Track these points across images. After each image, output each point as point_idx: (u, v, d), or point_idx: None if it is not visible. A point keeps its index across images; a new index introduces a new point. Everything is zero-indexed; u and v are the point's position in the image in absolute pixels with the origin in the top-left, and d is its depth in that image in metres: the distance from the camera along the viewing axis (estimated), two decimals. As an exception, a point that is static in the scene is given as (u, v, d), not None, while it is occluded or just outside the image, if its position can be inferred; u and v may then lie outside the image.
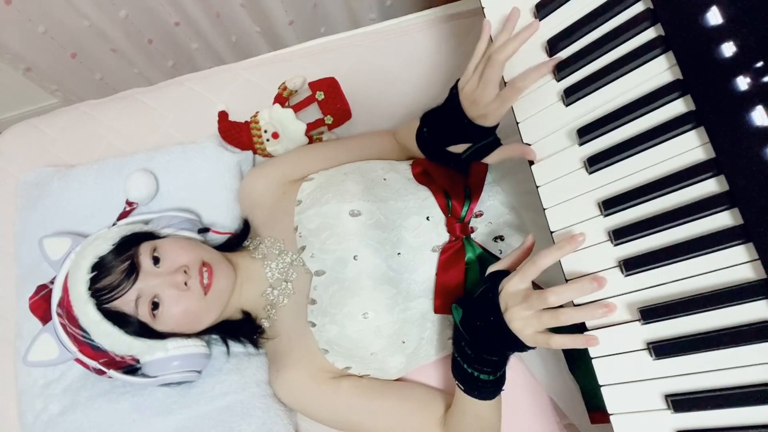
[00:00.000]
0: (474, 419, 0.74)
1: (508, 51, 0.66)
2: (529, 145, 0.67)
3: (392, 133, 1.00)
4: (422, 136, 0.85)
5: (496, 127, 0.75)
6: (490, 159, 0.78)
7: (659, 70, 0.57)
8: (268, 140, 1.06)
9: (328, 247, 0.81)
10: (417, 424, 0.80)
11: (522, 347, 0.63)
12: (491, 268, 0.68)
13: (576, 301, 0.60)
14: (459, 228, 0.83)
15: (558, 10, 0.65)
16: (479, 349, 0.66)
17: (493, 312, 0.63)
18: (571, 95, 0.63)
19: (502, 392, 0.71)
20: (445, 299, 0.80)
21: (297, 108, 1.07)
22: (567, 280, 0.61)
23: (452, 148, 0.81)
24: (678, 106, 0.55)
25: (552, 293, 0.58)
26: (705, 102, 0.53)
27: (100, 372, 0.84)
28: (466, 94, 0.72)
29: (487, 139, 0.76)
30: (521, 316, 0.60)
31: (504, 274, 0.66)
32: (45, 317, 0.90)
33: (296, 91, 1.11)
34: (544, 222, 0.64)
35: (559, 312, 0.58)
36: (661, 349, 0.54)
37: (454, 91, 0.75)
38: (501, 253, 0.86)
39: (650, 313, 0.55)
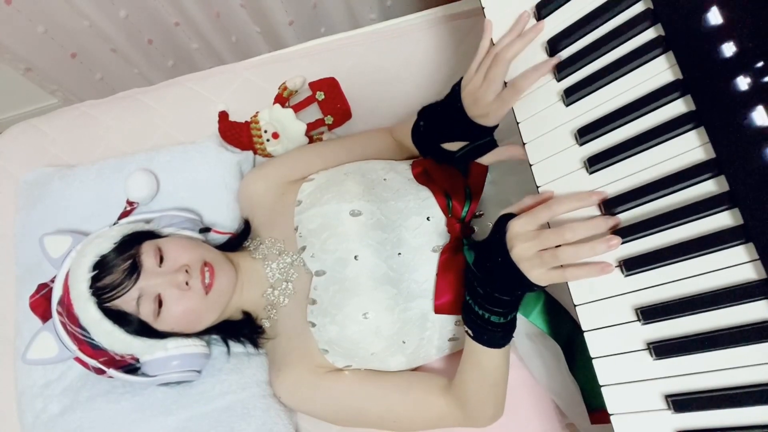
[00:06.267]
0: (481, 373, 0.73)
1: (514, 50, 0.67)
2: (527, 144, 0.67)
3: (390, 130, 1.00)
4: (418, 130, 0.85)
5: (495, 128, 0.75)
6: (485, 159, 0.78)
7: (659, 70, 0.57)
8: (268, 140, 1.06)
9: (328, 247, 0.81)
10: (421, 395, 0.79)
11: (531, 287, 0.62)
12: (502, 212, 0.67)
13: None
14: (459, 228, 0.83)
15: (558, 10, 0.65)
16: (491, 287, 0.65)
17: (500, 252, 0.63)
18: (571, 95, 0.63)
19: (511, 340, 0.70)
20: (445, 300, 0.80)
21: (297, 108, 1.07)
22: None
23: (447, 146, 0.80)
24: (678, 106, 0.55)
25: (568, 229, 0.57)
26: (705, 102, 0.53)
27: (100, 371, 0.84)
28: (469, 91, 0.73)
29: (483, 139, 0.76)
30: (526, 256, 0.60)
31: (513, 217, 0.64)
32: (45, 315, 0.89)
33: (296, 91, 1.11)
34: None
35: (559, 250, 0.58)
36: (661, 349, 0.54)
37: (456, 88, 0.76)
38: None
39: (650, 314, 0.55)
